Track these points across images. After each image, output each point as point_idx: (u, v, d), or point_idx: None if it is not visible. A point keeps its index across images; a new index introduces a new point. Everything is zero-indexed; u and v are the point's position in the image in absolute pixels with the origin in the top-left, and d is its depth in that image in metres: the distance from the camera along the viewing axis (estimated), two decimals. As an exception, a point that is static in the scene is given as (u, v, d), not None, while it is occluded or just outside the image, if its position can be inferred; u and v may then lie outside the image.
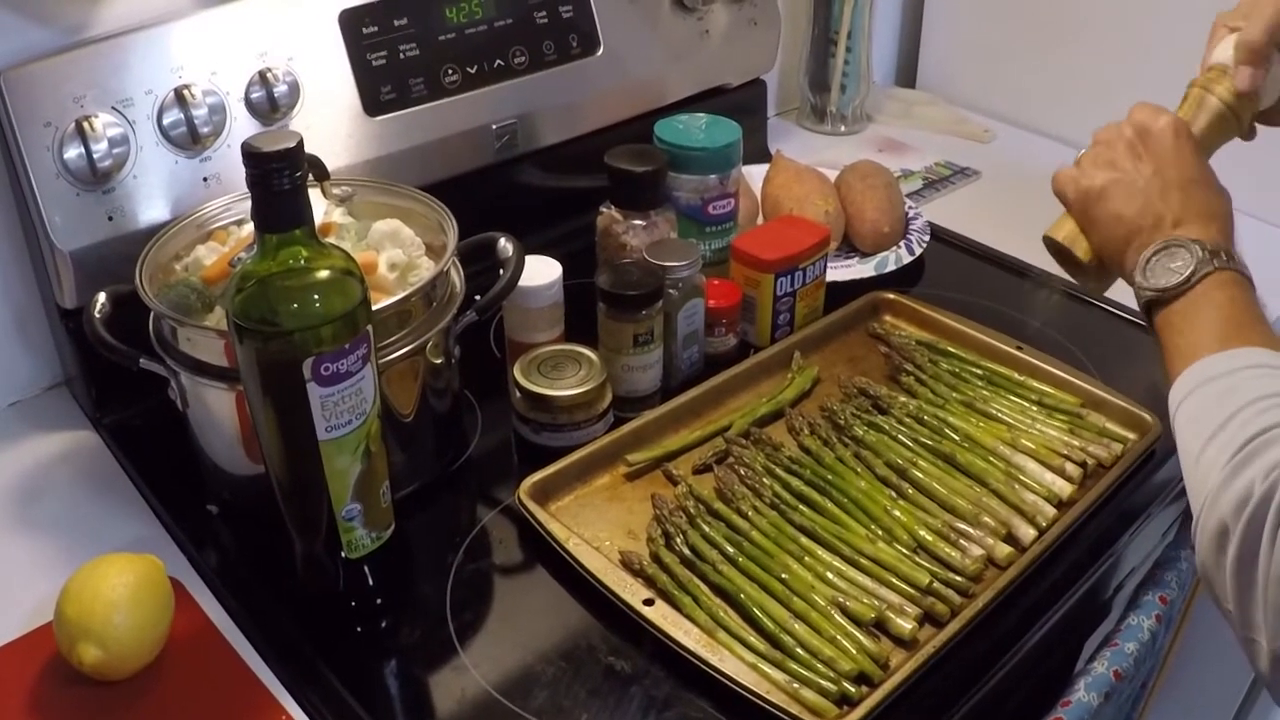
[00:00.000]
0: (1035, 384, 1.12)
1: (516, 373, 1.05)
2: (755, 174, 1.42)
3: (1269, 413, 0.75)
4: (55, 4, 1.03)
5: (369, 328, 0.81)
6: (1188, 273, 0.86)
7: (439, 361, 1.00)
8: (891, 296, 1.26)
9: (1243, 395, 0.77)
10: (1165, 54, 1.52)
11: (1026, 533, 0.96)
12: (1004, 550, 0.94)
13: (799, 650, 0.85)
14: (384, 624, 0.91)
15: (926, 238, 1.37)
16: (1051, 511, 0.98)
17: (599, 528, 0.98)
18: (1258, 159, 1.46)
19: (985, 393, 1.11)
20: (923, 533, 0.95)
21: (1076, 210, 0.98)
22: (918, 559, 0.93)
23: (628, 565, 0.93)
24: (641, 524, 0.98)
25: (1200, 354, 0.82)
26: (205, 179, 1.07)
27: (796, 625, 0.87)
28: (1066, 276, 1.05)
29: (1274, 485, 0.70)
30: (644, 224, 1.16)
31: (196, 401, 0.96)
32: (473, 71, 1.23)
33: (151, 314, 0.95)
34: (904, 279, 1.32)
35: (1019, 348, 1.16)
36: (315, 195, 0.99)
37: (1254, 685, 1.75)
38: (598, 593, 0.91)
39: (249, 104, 1.09)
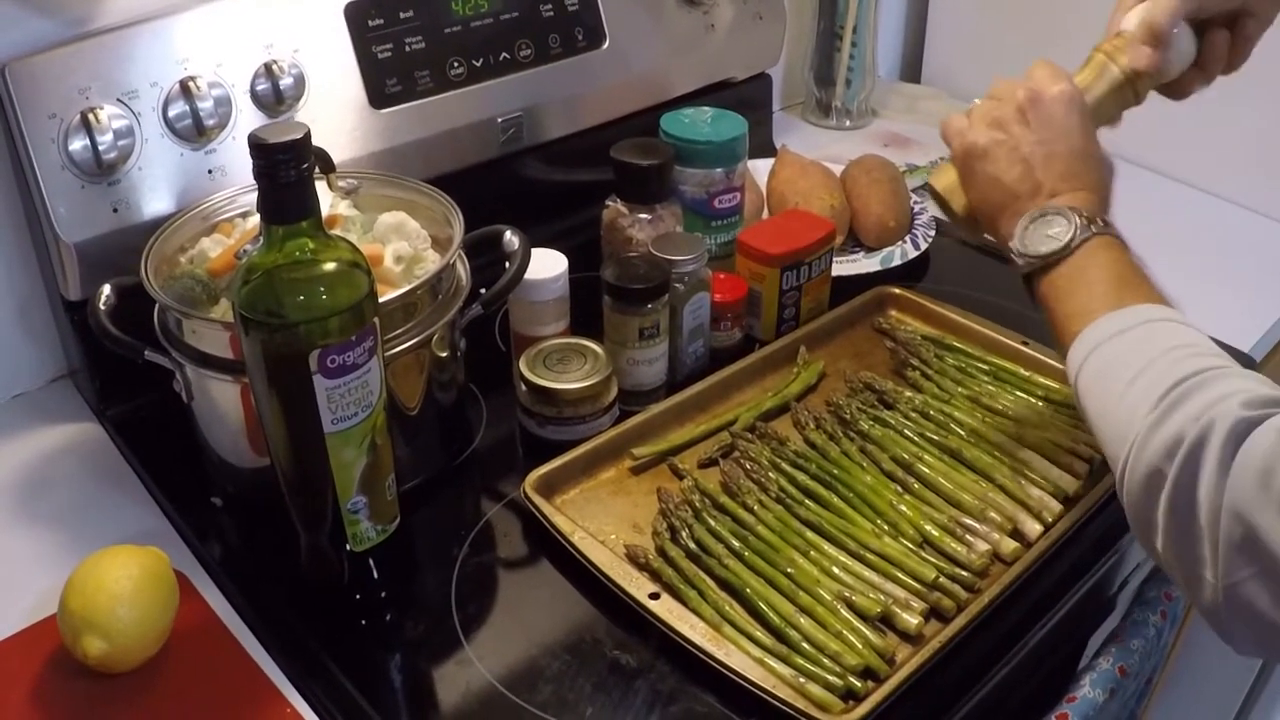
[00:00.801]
0: (1041, 379, 1.12)
1: (522, 366, 1.05)
2: (760, 168, 1.41)
3: (1190, 360, 0.75)
4: (60, -5, 1.03)
5: (375, 320, 0.80)
6: (1067, 238, 0.86)
7: (444, 354, 1.00)
8: (897, 291, 1.26)
9: (1158, 344, 0.78)
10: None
11: (1032, 528, 0.96)
12: (1010, 545, 0.94)
13: (805, 645, 0.85)
14: (388, 617, 0.91)
15: (932, 232, 1.37)
16: (1057, 507, 0.97)
17: (604, 521, 0.98)
18: (1263, 156, 1.47)
19: (991, 388, 1.11)
20: (928, 528, 0.95)
21: (959, 163, 0.96)
22: (924, 554, 0.93)
23: (633, 559, 0.93)
24: (647, 518, 0.98)
25: (1096, 313, 0.82)
26: (210, 171, 1.07)
27: (802, 620, 0.87)
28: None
29: (1207, 426, 0.70)
30: (649, 217, 1.16)
31: (201, 394, 0.96)
32: (478, 64, 1.23)
33: (156, 306, 0.95)
34: (909, 274, 1.32)
35: (1025, 343, 1.16)
36: (321, 188, 0.99)
37: (1258, 681, 1.75)
38: (603, 586, 0.91)
39: (254, 96, 1.08)
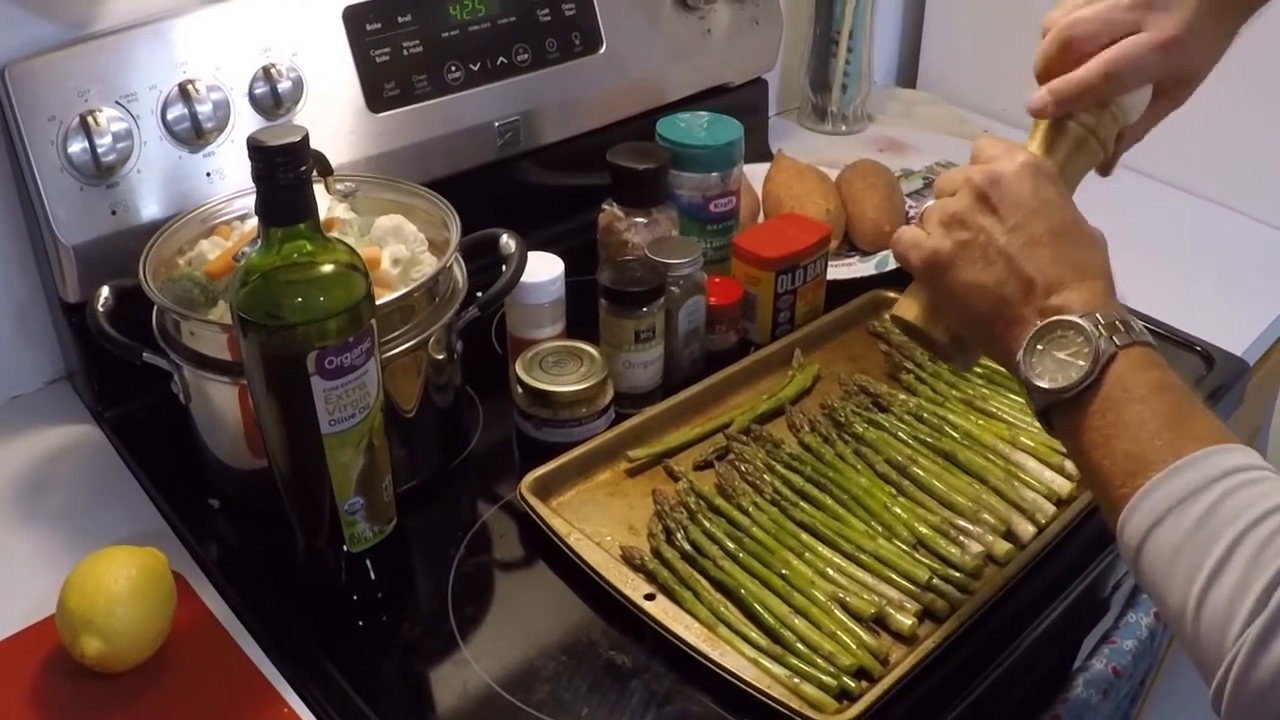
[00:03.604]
0: (1035, 382, 1.12)
1: (518, 369, 1.06)
2: (756, 173, 1.42)
3: (1277, 539, 0.61)
4: (60, -1, 1.04)
5: (373, 322, 0.81)
6: (1088, 363, 0.70)
7: (441, 357, 1.01)
8: (892, 295, 1.26)
9: (1231, 519, 0.63)
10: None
11: (1025, 530, 0.96)
12: (1003, 547, 0.94)
13: (799, 645, 0.86)
14: (385, 618, 0.91)
15: (927, 237, 1.37)
16: (1050, 509, 0.98)
17: (600, 523, 0.98)
18: (1257, 162, 1.47)
19: (985, 390, 1.12)
20: (922, 529, 0.95)
21: (924, 281, 0.82)
22: (917, 555, 0.93)
23: (629, 560, 0.93)
24: (642, 519, 0.98)
25: (1149, 468, 0.66)
26: (209, 174, 1.07)
27: (797, 620, 0.87)
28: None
29: None
30: (645, 221, 1.16)
31: (199, 396, 0.97)
32: (476, 68, 1.23)
33: (155, 308, 0.96)
34: (904, 278, 1.31)
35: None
36: (319, 191, 1.00)
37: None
38: (599, 588, 0.91)
39: (253, 99, 1.09)
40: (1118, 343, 0.70)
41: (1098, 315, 0.71)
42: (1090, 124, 0.83)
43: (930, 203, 0.81)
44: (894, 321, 0.86)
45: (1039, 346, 0.73)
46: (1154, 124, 0.87)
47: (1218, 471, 0.65)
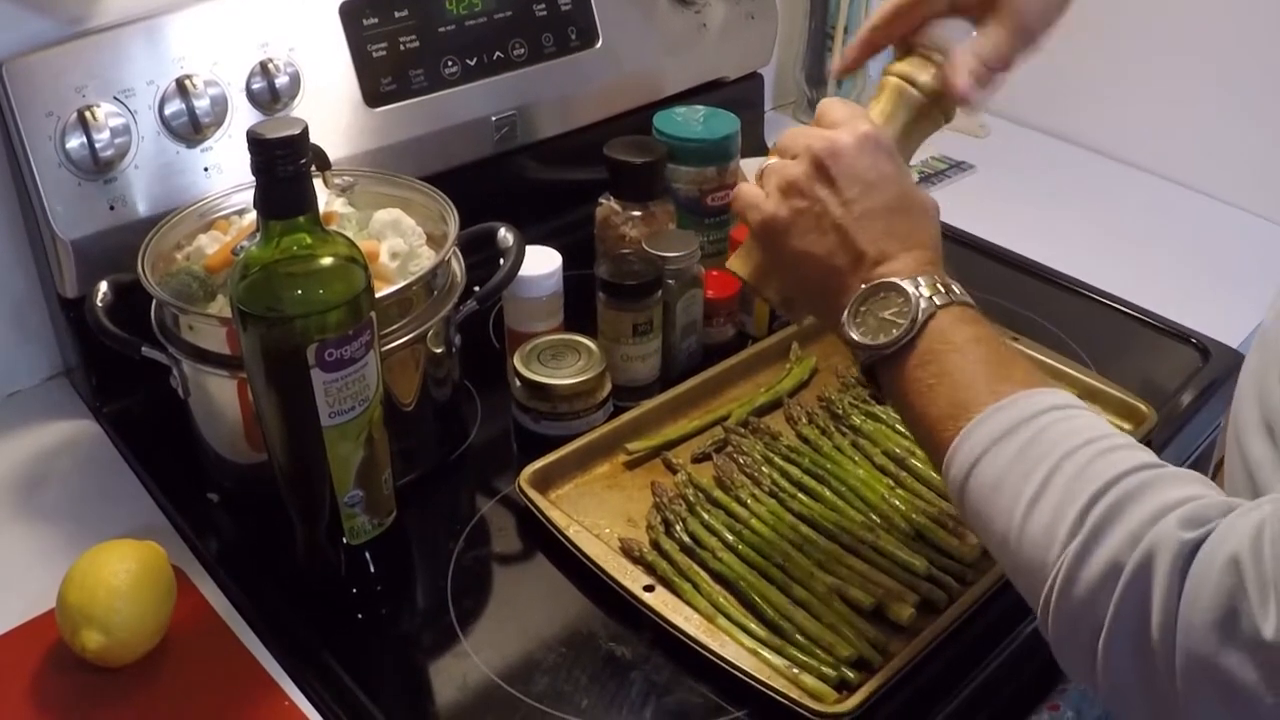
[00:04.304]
0: (1031, 374, 1.12)
1: (516, 362, 1.06)
2: (752, 167, 1.42)
3: (1100, 462, 0.65)
4: (57, -6, 1.04)
5: (372, 314, 0.81)
6: (908, 320, 0.73)
7: (439, 350, 1.01)
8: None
9: (1048, 450, 0.66)
10: (1158, 49, 1.53)
11: (1023, 521, 0.96)
12: (1001, 538, 0.94)
13: (798, 636, 0.86)
14: (385, 610, 0.92)
15: (923, 230, 1.37)
16: (1048, 500, 0.98)
17: (599, 515, 0.99)
18: (1249, 154, 1.48)
19: (982, 383, 1.12)
20: (921, 520, 0.96)
21: (760, 242, 0.82)
22: (915, 546, 0.94)
23: (628, 552, 0.93)
24: (641, 512, 0.98)
25: (970, 411, 0.70)
26: (206, 169, 1.07)
27: (796, 611, 0.87)
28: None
29: (1147, 556, 0.60)
30: (642, 215, 1.17)
31: (198, 389, 0.97)
32: (472, 63, 1.23)
33: (154, 302, 0.96)
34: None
35: (1014, 339, 1.16)
36: (316, 185, 1.00)
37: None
38: (598, 579, 0.91)
39: (250, 94, 1.09)
40: (938, 302, 0.74)
41: (919, 279, 0.74)
42: (902, 70, 0.84)
43: (773, 160, 0.82)
44: (729, 273, 0.88)
45: (862, 308, 0.76)
46: (1015, 43, 0.82)
47: (1035, 409, 0.69)
